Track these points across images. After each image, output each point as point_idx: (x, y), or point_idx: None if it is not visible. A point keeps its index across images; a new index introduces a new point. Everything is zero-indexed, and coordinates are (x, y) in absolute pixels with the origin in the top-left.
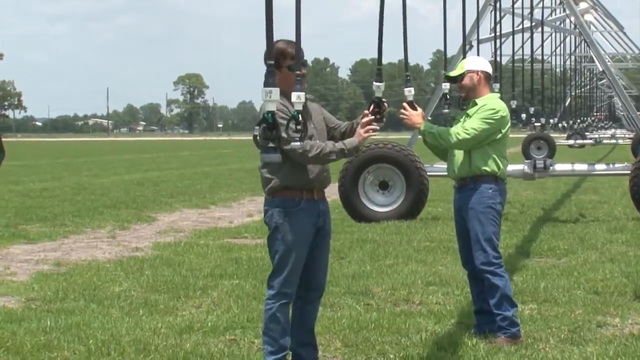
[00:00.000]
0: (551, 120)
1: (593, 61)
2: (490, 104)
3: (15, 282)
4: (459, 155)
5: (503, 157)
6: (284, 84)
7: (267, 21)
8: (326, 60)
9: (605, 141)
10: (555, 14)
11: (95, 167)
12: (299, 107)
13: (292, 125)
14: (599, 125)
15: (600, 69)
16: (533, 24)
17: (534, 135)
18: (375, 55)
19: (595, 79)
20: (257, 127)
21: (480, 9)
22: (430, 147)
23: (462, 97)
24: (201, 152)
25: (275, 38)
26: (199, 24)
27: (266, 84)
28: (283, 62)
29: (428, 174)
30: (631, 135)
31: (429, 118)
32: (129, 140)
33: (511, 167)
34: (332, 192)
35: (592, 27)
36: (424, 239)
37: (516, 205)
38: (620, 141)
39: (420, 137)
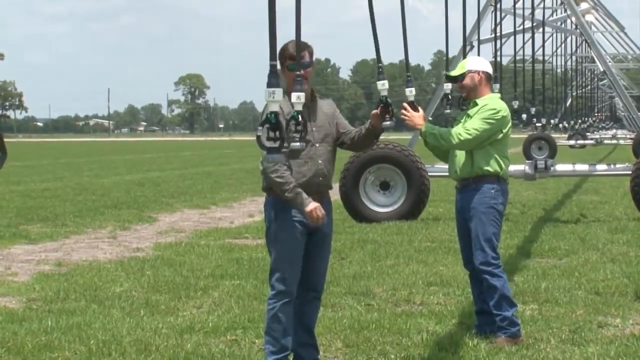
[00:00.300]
0: (552, 121)
1: (594, 61)
2: (491, 104)
3: (17, 283)
4: (460, 155)
5: (505, 157)
6: (284, 84)
7: (270, 21)
8: (327, 60)
9: (606, 141)
10: (556, 15)
11: (97, 168)
12: (299, 108)
13: (291, 126)
14: (600, 126)
15: (601, 69)
16: (534, 24)
17: (535, 136)
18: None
19: (596, 79)
20: (260, 128)
21: (481, 9)
22: (431, 149)
23: (463, 97)
24: (202, 153)
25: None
26: (200, 24)
27: (269, 85)
28: (283, 62)
29: (429, 174)
30: (632, 136)
31: (430, 118)
32: (130, 140)
33: (512, 168)
34: (333, 192)
35: (593, 27)
36: (424, 239)
37: (517, 205)
38: (622, 141)
39: (422, 138)
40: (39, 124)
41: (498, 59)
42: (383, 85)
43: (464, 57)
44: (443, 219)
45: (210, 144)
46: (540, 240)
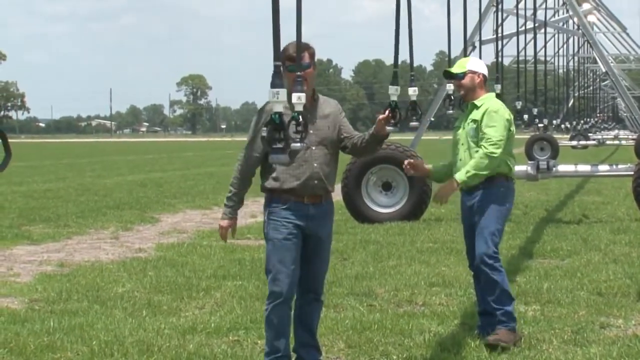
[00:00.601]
0: (554, 122)
1: (596, 62)
2: (494, 105)
3: (19, 283)
4: (465, 157)
5: (511, 156)
6: (287, 86)
7: (274, 22)
8: (329, 61)
9: (608, 142)
10: (558, 15)
11: (99, 168)
12: (299, 108)
13: (292, 126)
14: (602, 127)
15: (604, 70)
16: (536, 25)
17: (537, 137)
18: (379, 57)
19: (598, 79)
20: (264, 128)
21: (482, 10)
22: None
23: (460, 95)
24: (204, 153)
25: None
26: (201, 24)
27: (273, 85)
28: (283, 63)
29: None
30: (634, 136)
31: (431, 169)
32: (132, 141)
33: (515, 168)
34: (335, 193)
35: (595, 28)
36: (427, 240)
37: (519, 206)
38: (624, 142)
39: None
40: (41, 124)
41: (500, 59)
42: (396, 91)
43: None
44: (445, 220)
45: (212, 144)
46: (542, 240)
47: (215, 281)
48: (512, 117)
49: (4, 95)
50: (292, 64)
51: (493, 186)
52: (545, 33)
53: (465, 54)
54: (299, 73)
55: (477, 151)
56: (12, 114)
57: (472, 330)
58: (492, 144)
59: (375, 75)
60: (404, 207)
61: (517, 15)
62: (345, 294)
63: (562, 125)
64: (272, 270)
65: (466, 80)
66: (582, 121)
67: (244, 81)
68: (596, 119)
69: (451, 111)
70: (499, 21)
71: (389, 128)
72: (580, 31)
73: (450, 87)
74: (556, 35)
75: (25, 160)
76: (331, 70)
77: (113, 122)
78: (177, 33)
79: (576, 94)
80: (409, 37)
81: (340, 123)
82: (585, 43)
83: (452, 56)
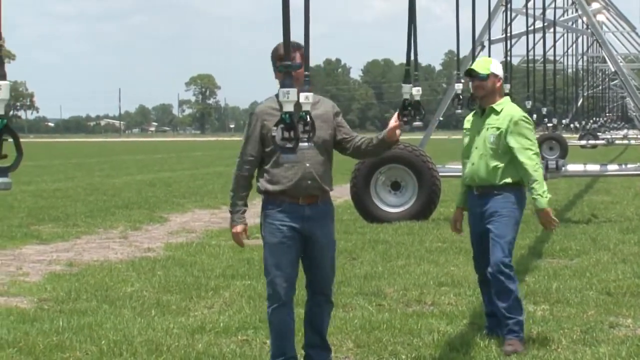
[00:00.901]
0: (563, 121)
1: (605, 61)
2: (517, 111)
3: (28, 283)
4: (480, 164)
5: None
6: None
7: (284, 22)
8: (338, 60)
9: (617, 142)
10: (568, 15)
11: (108, 168)
12: (307, 108)
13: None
14: (611, 126)
15: (613, 70)
16: (545, 24)
17: (546, 136)
18: (388, 56)
19: (607, 79)
20: (274, 128)
21: (491, 9)
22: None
23: (478, 96)
24: (213, 153)
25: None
26: (211, 24)
27: (283, 85)
28: (275, 63)
29: (440, 174)
30: None
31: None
32: (141, 140)
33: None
34: (344, 193)
35: (604, 27)
36: (436, 239)
37: (528, 205)
38: (633, 142)
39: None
40: (50, 124)
41: (509, 59)
42: (410, 89)
43: (474, 58)
44: None
45: (221, 144)
46: (551, 240)
47: (224, 281)
48: None
49: (13, 94)
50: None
51: (508, 192)
52: (554, 32)
53: (473, 53)
54: (306, 72)
55: (492, 156)
56: (21, 113)
57: (481, 330)
58: (535, 153)
59: (384, 75)
60: (413, 206)
61: (527, 14)
62: (354, 294)
63: (571, 125)
64: (268, 274)
65: (489, 83)
66: (591, 121)
67: (253, 81)
68: (605, 119)
69: (459, 111)
70: (508, 20)
71: (404, 127)
72: (589, 30)
73: (459, 86)
74: (565, 35)
75: (34, 159)
76: (340, 69)
77: (122, 122)
78: (186, 33)
79: (585, 94)
80: (413, 36)
81: (337, 124)
82: (595, 42)
83: (461, 56)
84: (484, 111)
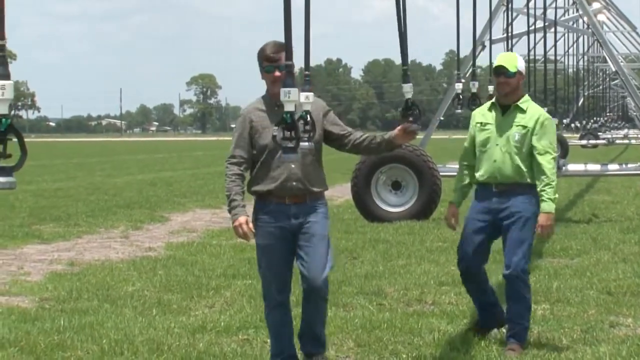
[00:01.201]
0: (564, 121)
1: (606, 61)
2: (542, 112)
3: (29, 282)
4: (505, 160)
5: None
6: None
7: (286, 22)
8: (339, 60)
9: (618, 141)
10: (568, 14)
11: (109, 167)
12: (308, 108)
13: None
14: (612, 126)
15: (613, 69)
16: (546, 24)
17: None
18: (389, 56)
19: (608, 79)
20: (275, 128)
21: (492, 9)
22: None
23: (502, 93)
24: (214, 152)
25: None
26: (212, 24)
27: (284, 85)
28: (261, 63)
29: (441, 174)
30: None
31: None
32: (142, 140)
33: None
34: (345, 192)
35: (604, 27)
36: (436, 239)
37: None
38: (633, 141)
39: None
40: (51, 123)
41: None
42: (410, 89)
43: (474, 58)
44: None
45: (222, 143)
46: (552, 239)
47: (225, 280)
48: None
49: (15, 94)
50: (270, 64)
51: (529, 194)
52: (555, 32)
53: (474, 53)
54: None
55: (517, 154)
56: (23, 113)
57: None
58: (553, 157)
59: (384, 75)
60: (414, 206)
61: (527, 14)
62: (355, 293)
63: (572, 125)
64: (261, 275)
65: (515, 80)
66: (591, 120)
67: (254, 81)
68: (606, 118)
69: (459, 110)
70: (509, 20)
71: (416, 126)
72: (590, 30)
73: (459, 86)
74: (566, 35)
75: (35, 159)
76: (341, 69)
77: (123, 122)
78: (186, 33)
79: (586, 93)
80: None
81: (330, 122)
82: (595, 42)
83: (462, 55)
84: (506, 108)
